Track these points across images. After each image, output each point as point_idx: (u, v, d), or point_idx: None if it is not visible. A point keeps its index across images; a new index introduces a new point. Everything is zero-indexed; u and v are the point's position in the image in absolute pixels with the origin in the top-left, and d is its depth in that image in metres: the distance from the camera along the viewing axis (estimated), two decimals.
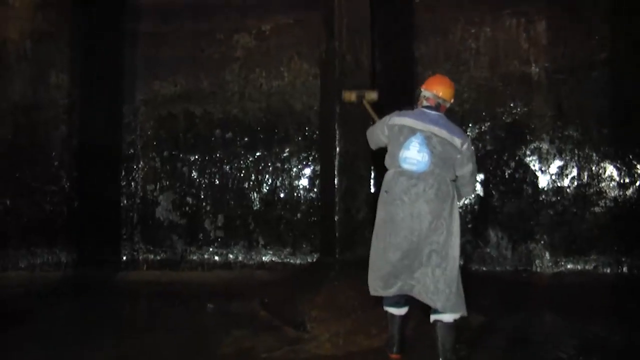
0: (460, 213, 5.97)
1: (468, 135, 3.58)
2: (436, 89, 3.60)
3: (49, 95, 6.48)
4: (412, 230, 3.37)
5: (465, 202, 6.04)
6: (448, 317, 3.38)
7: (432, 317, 3.44)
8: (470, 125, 6.09)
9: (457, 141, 3.43)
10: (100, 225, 6.53)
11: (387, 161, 3.59)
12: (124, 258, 6.59)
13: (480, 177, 5.99)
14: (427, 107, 3.58)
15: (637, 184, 5.75)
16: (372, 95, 4.39)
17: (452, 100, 3.66)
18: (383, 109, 5.87)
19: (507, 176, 6.03)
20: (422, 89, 3.66)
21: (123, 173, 6.64)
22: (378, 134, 3.71)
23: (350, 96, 4.46)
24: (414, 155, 3.41)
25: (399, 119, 3.54)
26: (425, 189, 3.36)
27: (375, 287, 3.55)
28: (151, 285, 6.00)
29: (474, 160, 3.54)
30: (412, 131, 3.45)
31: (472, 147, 3.54)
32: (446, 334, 3.41)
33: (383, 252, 3.47)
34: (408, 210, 3.38)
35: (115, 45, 6.64)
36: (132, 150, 6.64)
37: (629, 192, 5.76)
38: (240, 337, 4.16)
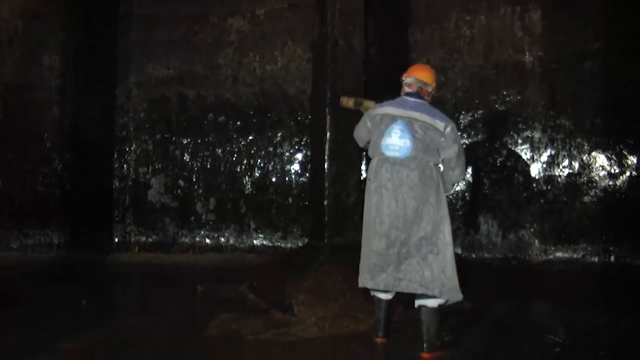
0: (451, 200, 6.08)
1: (452, 120, 3.57)
2: (416, 74, 3.64)
3: (41, 76, 6.43)
4: (397, 217, 3.37)
5: (457, 188, 6.05)
6: (432, 302, 3.40)
7: (417, 302, 3.46)
8: (462, 112, 6.10)
9: (440, 124, 3.43)
10: (93, 207, 6.55)
11: (370, 151, 3.62)
12: (116, 240, 6.63)
13: (471, 164, 6.01)
14: (408, 93, 3.61)
15: (628, 174, 5.76)
16: (370, 105, 4.26)
17: (434, 85, 3.66)
18: (377, 95, 5.93)
19: (498, 164, 6.04)
20: (404, 77, 3.68)
21: (115, 155, 6.66)
22: (362, 128, 3.73)
23: (348, 102, 4.36)
24: (395, 142, 3.42)
25: (380, 109, 3.59)
26: (408, 174, 3.37)
27: (362, 279, 3.55)
28: (143, 267, 6.04)
29: (459, 142, 3.53)
30: (393, 118, 3.47)
31: (456, 130, 3.54)
32: (430, 319, 3.42)
33: (369, 241, 3.49)
34: (392, 196, 3.39)
35: (109, 26, 6.63)
36: (124, 133, 6.66)
37: (619, 182, 5.78)
38: (228, 319, 4.19)
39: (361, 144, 3.87)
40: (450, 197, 6.10)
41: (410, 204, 3.36)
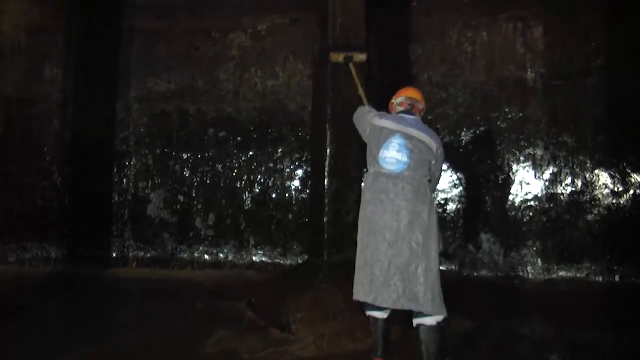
0: (452, 217, 6.03)
1: (442, 140, 3.70)
2: (405, 93, 3.74)
3: (43, 90, 6.49)
4: (390, 228, 3.35)
5: (459, 206, 6.03)
6: (431, 321, 3.33)
7: (415, 321, 3.39)
8: (464, 129, 6.07)
9: (434, 145, 3.50)
10: (91, 222, 6.52)
11: (368, 160, 3.64)
12: (114, 255, 6.57)
13: (473, 181, 5.97)
14: (402, 112, 3.67)
15: (631, 192, 5.70)
16: (361, 57, 4.26)
17: (423, 102, 3.75)
18: (377, 110, 5.91)
19: (500, 181, 5.99)
20: (393, 100, 3.77)
21: (115, 170, 6.63)
22: (362, 123, 3.76)
23: (338, 57, 4.30)
24: (393, 155, 3.45)
25: (379, 121, 3.60)
26: (403, 187, 3.39)
27: (358, 291, 3.48)
28: (141, 282, 5.97)
29: (443, 163, 3.66)
30: (392, 133, 3.50)
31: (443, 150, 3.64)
32: (430, 338, 3.35)
33: (362, 253, 3.47)
34: (387, 208, 3.37)
35: (111, 41, 6.64)
36: (125, 147, 6.63)
37: (623, 200, 5.71)
38: (225, 337, 4.14)
39: (357, 128, 3.88)
40: (452, 214, 6.06)
41: (405, 217, 3.35)
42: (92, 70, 6.52)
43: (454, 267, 5.92)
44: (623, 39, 5.73)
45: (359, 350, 3.86)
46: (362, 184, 3.68)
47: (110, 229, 6.59)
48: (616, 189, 5.76)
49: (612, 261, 5.68)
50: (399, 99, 3.72)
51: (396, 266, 3.32)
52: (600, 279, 5.70)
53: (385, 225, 3.36)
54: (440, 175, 3.66)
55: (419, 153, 3.44)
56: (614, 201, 5.75)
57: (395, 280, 3.32)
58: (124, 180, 6.63)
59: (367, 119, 3.70)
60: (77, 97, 6.49)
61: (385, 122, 3.56)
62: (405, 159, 3.42)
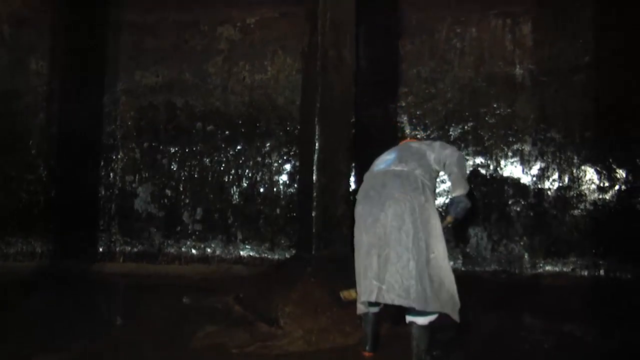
0: (440, 212, 6.01)
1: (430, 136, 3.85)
2: (404, 141, 3.95)
3: (28, 82, 6.42)
4: (378, 220, 3.30)
5: (446, 201, 6.03)
6: (423, 320, 3.30)
7: (408, 318, 3.36)
8: (453, 125, 6.08)
9: (427, 141, 3.68)
10: (77, 216, 6.45)
11: None
12: (101, 249, 6.52)
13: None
14: None
15: (617, 188, 5.75)
16: None
17: None
18: (366, 105, 5.92)
19: (488, 177, 6.01)
20: None
21: (102, 163, 6.57)
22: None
23: (350, 294, 3.99)
24: (383, 158, 3.60)
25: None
26: (391, 178, 3.38)
27: (361, 304, 3.49)
28: (127, 277, 5.94)
29: (449, 147, 3.56)
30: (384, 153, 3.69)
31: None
32: (421, 336, 3.34)
33: (358, 257, 3.47)
34: (375, 202, 3.36)
35: (98, 33, 6.57)
36: (111, 141, 6.57)
37: (608, 196, 5.77)
38: (213, 331, 4.12)
39: None
40: (439, 209, 6.06)
41: (390, 205, 3.28)
42: (78, 62, 6.44)
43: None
44: (611, 36, 5.77)
45: (347, 345, 3.86)
46: (352, 182, 3.72)
47: (97, 223, 6.53)
48: (602, 185, 5.81)
49: (597, 256, 5.74)
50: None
51: (385, 258, 3.26)
52: (586, 273, 5.76)
53: (374, 220, 3.32)
54: (457, 168, 3.44)
55: (409, 148, 3.54)
56: (600, 196, 5.80)
57: (384, 273, 3.26)
58: (111, 174, 6.57)
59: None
60: (63, 89, 6.41)
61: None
62: (392, 155, 3.53)
